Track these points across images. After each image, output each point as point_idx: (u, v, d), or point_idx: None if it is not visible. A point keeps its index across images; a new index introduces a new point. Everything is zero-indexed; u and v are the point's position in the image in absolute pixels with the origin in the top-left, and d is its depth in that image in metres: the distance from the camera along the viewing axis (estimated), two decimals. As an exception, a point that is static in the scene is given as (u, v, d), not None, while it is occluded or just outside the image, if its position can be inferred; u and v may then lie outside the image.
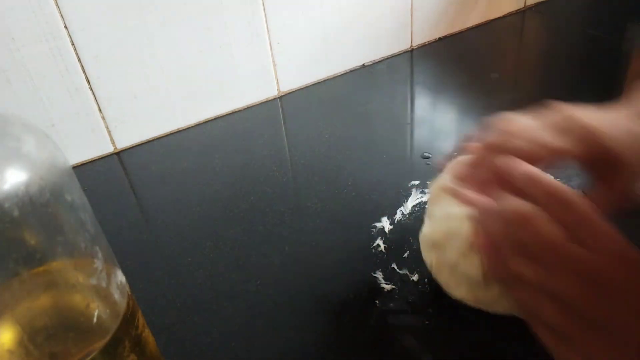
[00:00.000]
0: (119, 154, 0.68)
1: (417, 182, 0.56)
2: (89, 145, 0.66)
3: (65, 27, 0.59)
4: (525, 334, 0.40)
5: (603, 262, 0.28)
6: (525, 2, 0.95)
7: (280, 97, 0.77)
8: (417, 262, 0.47)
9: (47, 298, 0.27)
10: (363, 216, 0.53)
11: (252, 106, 0.75)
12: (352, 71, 0.81)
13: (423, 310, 0.42)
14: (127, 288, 0.32)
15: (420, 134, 0.66)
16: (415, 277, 0.45)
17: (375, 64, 0.83)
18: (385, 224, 0.51)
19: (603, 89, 0.40)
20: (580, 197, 0.30)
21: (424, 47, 0.87)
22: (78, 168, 0.66)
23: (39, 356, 0.27)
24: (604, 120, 0.36)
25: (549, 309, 0.29)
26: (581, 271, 0.28)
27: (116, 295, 0.30)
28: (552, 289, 0.29)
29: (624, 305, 0.28)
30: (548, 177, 0.32)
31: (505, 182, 0.33)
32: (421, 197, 0.54)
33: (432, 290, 0.44)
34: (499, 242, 0.32)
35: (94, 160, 0.67)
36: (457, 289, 0.40)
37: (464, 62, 0.83)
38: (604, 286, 0.28)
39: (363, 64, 0.82)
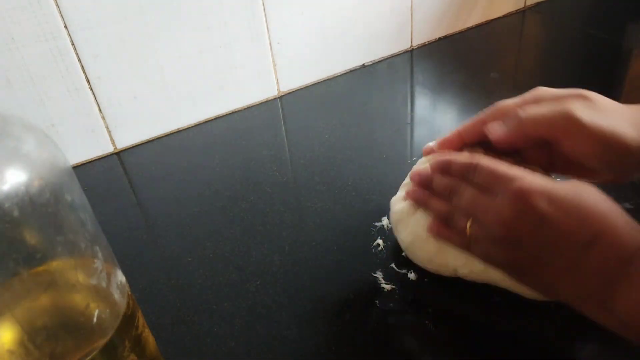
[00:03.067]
0: (119, 154, 0.68)
1: (417, 182, 0.56)
2: (89, 145, 0.66)
3: (65, 27, 0.59)
4: (525, 334, 0.40)
5: (501, 202, 0.34)
6: (525, 2, 0.95)
7: (280, 97, 0.77)
8: (417, 262, 0.47)
9: (47, 298, 0.27)
10: (363, 216, 0.53)
11: (252, 106, 0.75)
12: (352, 71, 0.81)
13: (423, 310, 0.42)
14: (127, 288, 0.32)
15: (420, 134, 0.66)
16: (415, 277, 0.45)
17: (375, 64, 0.83)
18: (385, 223, 0.51)
19: (603, 89, 0.40)
20: (486, 158, 0.37)
21: (424, 47, 0.87)
22: (78, 168, 0.66)
23: (39, 356, 0.27)
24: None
25: (494, 251, 0.36)
26: (494, 216, 0.34)
27: (116, 295, 0.30)
28: (489, 235, 0.35)
29: (540, 234, 0.33)
30: (462, 157, 0.39)
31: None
32: (421, 197, 0.54)
33: (432, 290, 0.44)
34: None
35: (94, 160, 0.67)
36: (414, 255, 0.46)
37: (464, 62, 0.83)
38: (515, 222, 0.33)
39: (363, 64, 0.82)
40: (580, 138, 0.36)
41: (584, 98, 0.37)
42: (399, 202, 0.47)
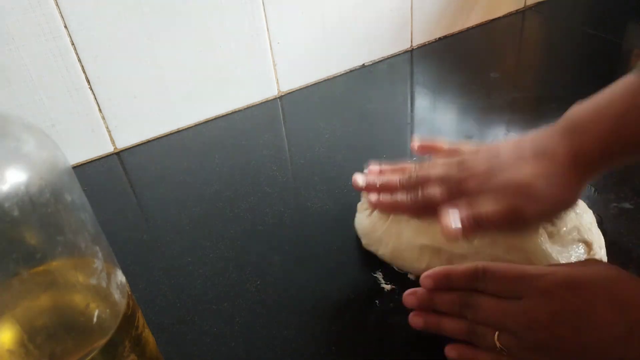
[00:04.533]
0: (119, 154, 0.68)
1: (417, 182, 0.56)
2: (89, 145, 0.66)
3: (65, 27, 0.59)
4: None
5: (532, 305, 0.33)
6: (525, 2, 0.95)
7: (280, 97, 0.77)
8: (417, 262, 0.47)
9: (47, 298, 0.27)
10: (363, 216, 0.53)
11: (252, 106, 0.75)
12: (352, 71, 0.81)
13: (423, 310, 0.42)
14: (127, 288, 0.32)
15: (420, 134, 0.66)
16: (415, 277, 0.45)
17: (375, 64, 0.83)
18: (385, 224, 0.51)
19: (603, 89, 0.40)
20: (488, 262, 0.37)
21: (424, 47, 0.87)
22: (78, 168, 0.66)
23: (39, 356, 0.27)
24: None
25: (535, 358, 0.34)
26: (525, 322, 0.33)
27: (116, 295, 0.30)
28: (525, 343, 0.34)
29: (577, 329, 0.31)
30: (461, 267, 0.38)
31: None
32: (421, 197, 0.54)
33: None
34: None
35: (94, 160, 0.67)
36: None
37: (464, 62, 0.83)
38: (551, 322, 0.32)
39: (363, 64, 0.82)
40: (527, 225, 0.40)
41: (525, 191, 0.38)
42: (364, 218, 0.49)
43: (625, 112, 0.35)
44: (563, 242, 0.43)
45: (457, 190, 0.40)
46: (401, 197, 0.42)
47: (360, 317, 0.43)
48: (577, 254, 0.42)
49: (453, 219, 0.38)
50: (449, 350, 0.38)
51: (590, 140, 0.37)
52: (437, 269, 0.39)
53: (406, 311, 0.41)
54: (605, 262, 0.34)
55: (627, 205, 0.50)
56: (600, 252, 0.43)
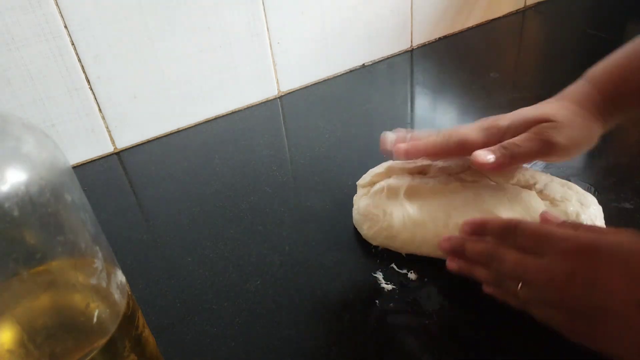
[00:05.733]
0: (119, 154, 0.68)
1: (417, 182, 0.56)
2: (89, 145, 0.66)
3: (65, 27, 0.59)
4: (525, 335, 0.40)
5: (551, 263, 0.34)
6: (525, 2, 0.95)
7: (280, 97, 0.77)
8: (417, 261, 0.47)
9: (47, 298, 0.27)
10: (363, 216, 0.53)
11: (252, 106, 0.75)
12: (352, 71, 0.81)
13: (423, 310, 0.42)
14: (127, 288, 0.32)
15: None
16: (415, 277, 0.45)
17: (375, 64, 0.83)
18: (385, 224, 0.51)
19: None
20: (522, 221, 0.38)
21: (424, 47, 0.87)
22: (78, 168, 0.66)
23: (39, 356, 0.27)
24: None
25: (551, 314, 0.36)
26: (543, 277, 0.35)
27: (116, 295, 0.30)
28: (543, 298, 0.35)
29: (591, 293, 0.32)
30: (497, 219, 0.40)
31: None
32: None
33: (432, 290, 0.44)
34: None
35: (94, 160, 0.67)
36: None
37: (464, 62, 0.83)
38: (567, 282, 0.33)
39: (363, 64, 0.82)
40: (561, 154, 0.44)
41: (550, 121, 0.43)
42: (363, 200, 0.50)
43: (636, 62, 0.43)
44: None
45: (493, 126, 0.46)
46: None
47: (360, 317, 0.43)
48: None
49: (485, 153, 0.43)
50: (450, 263, 0.42)
51: (605, 87, 0.44)
52: (476, 218, 0.42)
53: (406, 311, 0.41)
54: (634, 234, 0.34)
55: (627, 205, 0.50)
56: None
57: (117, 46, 0.62)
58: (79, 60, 0.61)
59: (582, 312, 0.33)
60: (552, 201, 0.46)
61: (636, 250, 0.32)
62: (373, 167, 0.54)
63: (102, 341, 0.29)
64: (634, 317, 0.31)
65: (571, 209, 0.45)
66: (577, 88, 0.46)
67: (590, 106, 0.44)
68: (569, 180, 0.49)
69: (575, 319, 0.34)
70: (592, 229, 0.38)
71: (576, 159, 0.56)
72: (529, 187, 0.47)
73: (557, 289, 0.34)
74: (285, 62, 0.75)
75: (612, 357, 0.33)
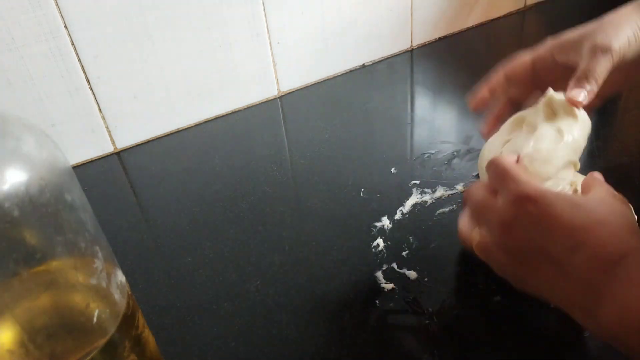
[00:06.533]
0: (119, 154, 0.68)
1: (417, 182, 0.56)
2: (89, 145, 0.66)
3: (65, 27, 0.59)
4: (525, 335, 0.40)
5: (504, 206, 0.34)
6: (525, 2, 0.95)
7: (280, 97, 0.77)
8: (417, 261, 0.47)
9: (47, 298, 0.27)
10: (363, 216, 0.53)
11: (252, 106, 0.75)
12: (352, 71, 0.81)
13: (423, 310, 0.42)
14: (127, 288, 0.32)
15: (420, 134, 0.66)
16: (415, 277, 0.45)
17: (375, 64, 0.83)
18: (385, 223, 0.51)
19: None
20: (506, 160, 0.37)
21: (424, 47, 0.86)
22: (78, 168, 0.66)
23: (39, 356, 0.27)
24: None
25: (496, 253, 0.36)
26: (496, 218, 0.35)
27: (116, 295, 0.30)
28: (494, 241, 0.36)
29: (531, 238, 0.33)
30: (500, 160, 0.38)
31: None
32: (421, 196, 0.54)
33: (432, 290, 0.44)
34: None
35: (94, 160, 0.67)
36: None
37: (464, 62, 0.83)
38: (511, 225, 0.34)
39: (363, 64, 0.82)
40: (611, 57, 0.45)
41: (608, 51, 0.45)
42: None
43: None
44: None
45: None
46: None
47: (360, 317, 0.43)
48: None
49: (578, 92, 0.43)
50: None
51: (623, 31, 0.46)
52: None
53: (406, 311, 0.41)
54: (589, 197, 0.36)
55: (627, 205, 0.49)
56: None
57: (117, 46, 0.62)
58: (79, 60, 0.61)
59: (523, 256, 0.34)
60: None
61: (585, 207, 0.33)
62: (373, 166, 0.54)
63: (102, 341, 0.29)
64: (566, 262, 0.32)
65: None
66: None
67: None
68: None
69: (517, 264, 0.35)
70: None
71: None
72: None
73: (505, 232, 0.34)
74: (285, 62, 0.75)
75: (547, 302, 0.35)
